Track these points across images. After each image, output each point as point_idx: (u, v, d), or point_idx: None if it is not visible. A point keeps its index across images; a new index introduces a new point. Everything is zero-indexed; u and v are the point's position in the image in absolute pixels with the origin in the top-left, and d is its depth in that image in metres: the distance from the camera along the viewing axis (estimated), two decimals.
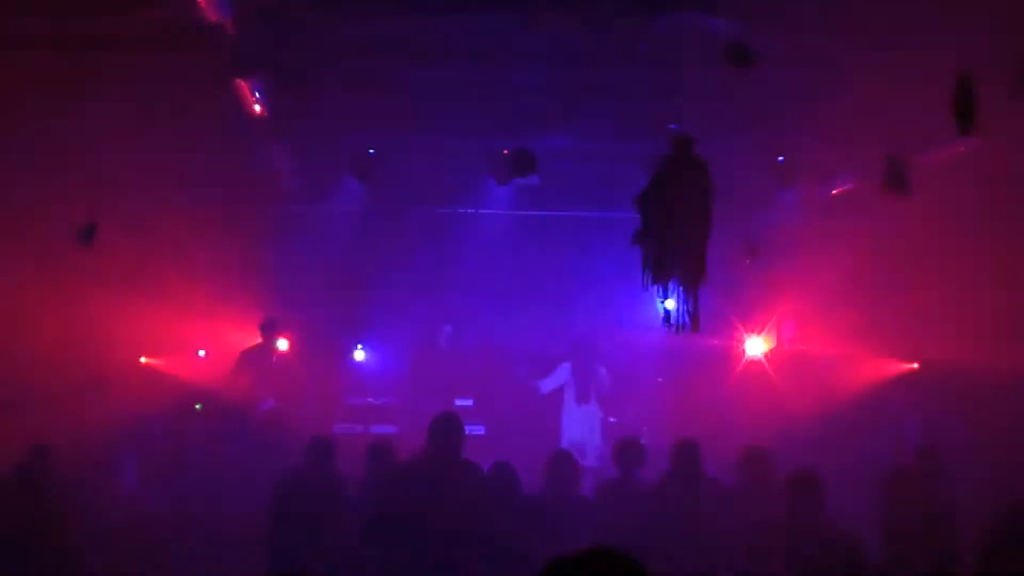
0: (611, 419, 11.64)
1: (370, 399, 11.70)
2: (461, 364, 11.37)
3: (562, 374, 11.21)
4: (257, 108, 8.29)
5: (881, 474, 6.56)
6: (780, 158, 10.08)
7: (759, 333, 12.43)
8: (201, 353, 11.17)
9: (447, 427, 6.78)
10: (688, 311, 6.79)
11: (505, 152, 9.81)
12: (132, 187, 10.45)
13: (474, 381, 11.94)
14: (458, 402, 11.64)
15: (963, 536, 6.12)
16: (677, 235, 7.19)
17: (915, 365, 11.53)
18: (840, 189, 11.18)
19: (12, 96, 7.95)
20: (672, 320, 6.89)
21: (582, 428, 10.84)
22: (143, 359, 11.00)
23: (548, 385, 11.27)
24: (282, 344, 11.51)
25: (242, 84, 7.73)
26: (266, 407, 10.96)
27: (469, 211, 12.18)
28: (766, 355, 11.94)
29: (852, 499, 6.36)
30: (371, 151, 10.14)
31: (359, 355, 12.50)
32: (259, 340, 11.21)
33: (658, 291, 7.13)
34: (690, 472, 6.97)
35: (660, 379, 12.18)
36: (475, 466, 6.92)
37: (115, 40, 7.25)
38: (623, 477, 7.19)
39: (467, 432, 11.13)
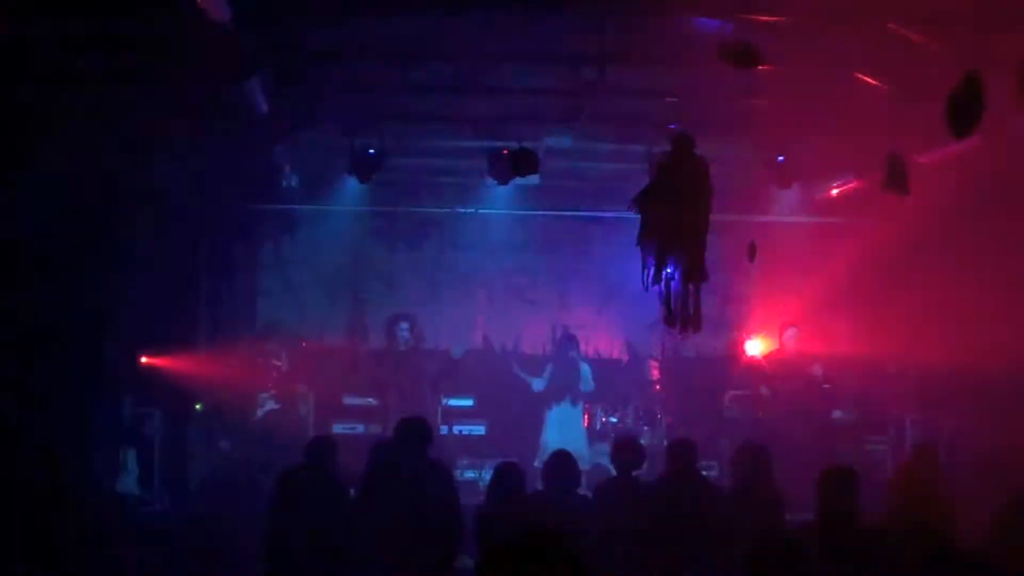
0: (612, 419, 11.66)
1: (370, 400, 11.69)
2: (422, 362, 11.33)
3: (537, 384, 11.30)
4: (257, 108, 8.28)
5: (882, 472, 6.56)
6: (780, 158, 10.08)
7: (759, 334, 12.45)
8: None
9: (412, 431, 6.81)
10: (689, 310, 6.81)
11: (505, 152, 9.81)
12: (132, 186, 10.46)
13: (474, 380, 11.94)
14: (457, 402, 11.65)
15: (963, 533, 6.12)
16: (677, 235, 7.21)
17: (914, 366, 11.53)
18: (840, 189, 11.19)
19: (12, 96, 7.95)
20: (674, 320, 6.90)
21: (560, 431, 10.82)
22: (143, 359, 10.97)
23: (539, 385, 11.29)
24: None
25: (243, 85, 7.72)
26: (265, 411, 10.94)
27: (469, 211, 12.18)
28: (765, 356, 11.93)
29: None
30: (371, 151, 10.14)
31: None
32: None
33: (659, 291, 7.14)
34: (686, 472, 6.97)
35: (659, 383, 12.17)
36: (443, 467, 6.95)
37: (115, 40, 7.25)
38: (622, 476, 7.19)
39: (467, 432, 11.35)
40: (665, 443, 10.74)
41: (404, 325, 11.25)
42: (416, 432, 6.81)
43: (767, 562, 4.02)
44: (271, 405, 10.96)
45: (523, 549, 2.67)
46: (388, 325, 11.40)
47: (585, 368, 11.28)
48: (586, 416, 11.44)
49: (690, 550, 6.35)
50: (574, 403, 11.14)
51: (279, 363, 11.35)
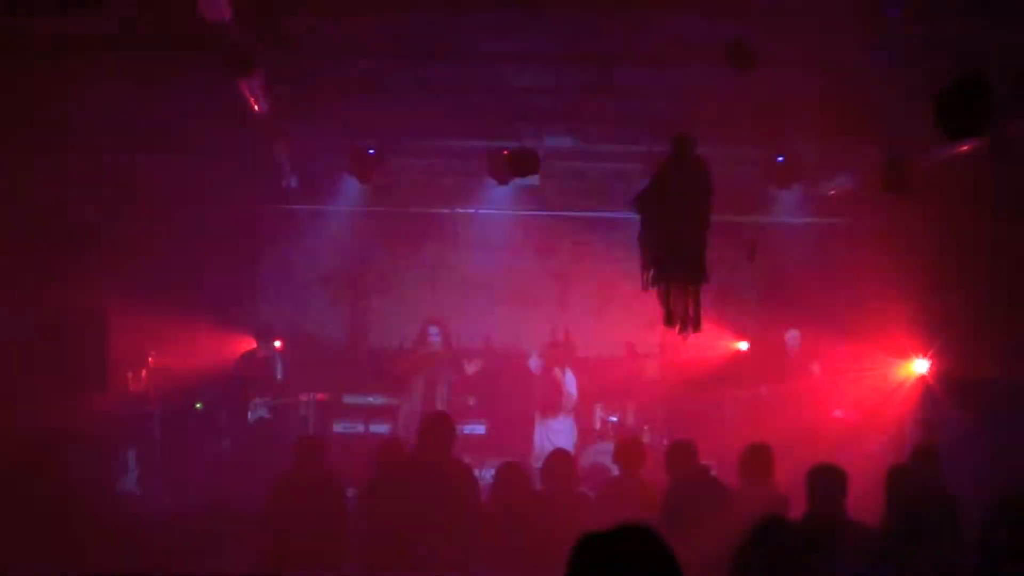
0: (612, 419, 11.66)
1: (370, 399, 11.69)
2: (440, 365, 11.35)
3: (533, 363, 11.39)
4: (257, 108, 8.28)
5: (883, 471, 6.55)
6: (780, 158, 10.07)
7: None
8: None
9: (436, 427, 6.80)
10: (689, 310, 6.81)
11: (505, 152, 9.81)
12: (132, 186, 10.47)
13: (474, 380, 11.96)
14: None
15: (963, 532, 6.11)
16: (677, 235, 7.20)
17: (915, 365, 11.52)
18: (840, 189, 11.18)
19: (13, 96, 7.95)
20: (673, 320, 6.90)
21: (549, 442, 10.87)
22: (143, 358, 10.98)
23: (533, 364, 11.39)
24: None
25: (242, 84, 7.72)
26: (259, 416, 10.91)
27: (469, 211, 12.18)
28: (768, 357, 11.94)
29: (853, 497, 6.35)
30: (371, 151, 10.14)
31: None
32: (255, 346, 11.21)
33: (659, 291, 7.13)
34: (691, 472, 6.97)
35: (658, 386, 12.17)
36: (465, 465, 6.94)
37: (115, 40, 7.25)
38: (625, 476, 7.19)
39: (467, 432, 11.35)
40: (665, 443, 10.79)
41: (434, 329, 11.28)
42: (439, 429, 6.81)
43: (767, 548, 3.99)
44: (263, 413, 10.91)
45: (617, 542, 2.69)
46: (420, 329, 11.40)
47: (569, 380, 11.30)
48: (579, 420, 11.45)
49: (696, 551, 6.34)
50: (561, 414, 11.20)
51: (276, 364, 11.31)
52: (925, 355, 11.34)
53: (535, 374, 11.41)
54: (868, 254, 11.86)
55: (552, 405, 11.19)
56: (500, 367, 12.08)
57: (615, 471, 7.60)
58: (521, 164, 9.63)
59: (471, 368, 11.57)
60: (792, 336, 11.27)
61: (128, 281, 10.36)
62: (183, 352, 11.29)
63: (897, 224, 11.08)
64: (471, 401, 11.81)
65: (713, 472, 10.21)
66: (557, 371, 11.33)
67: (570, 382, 11.31)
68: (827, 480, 5.85)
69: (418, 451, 6.88)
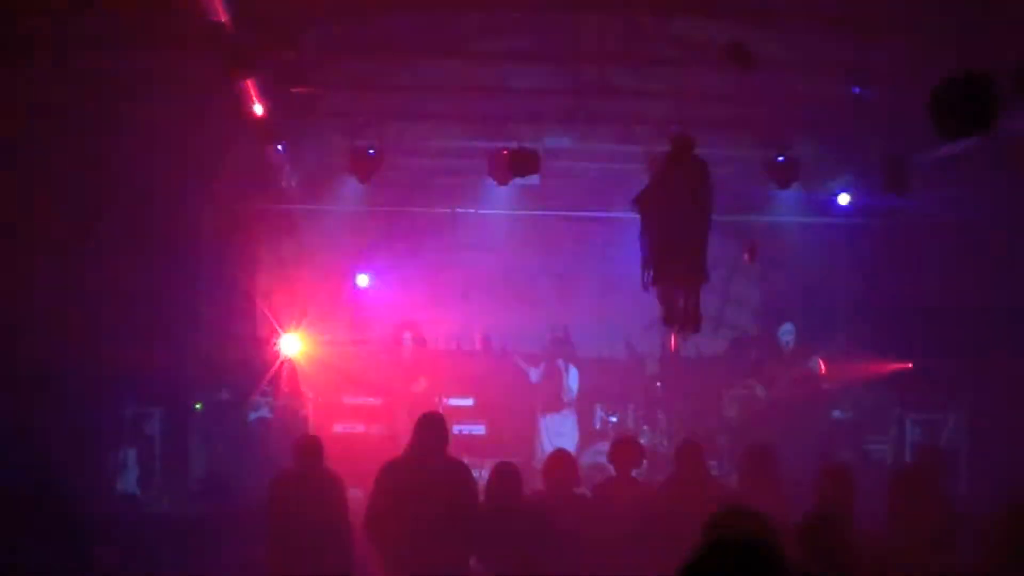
0: (612, 419, 11.66)
1: (370, 399, 11.69)
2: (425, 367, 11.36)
3: (534, 375, 11.38)
4: (257, 108, 8.28)
5: (886, 472, 6.56)
6: (780, 158, 10.07)
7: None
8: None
9: (430, 426, 6.79)
10: (688, 311, 6.81)
11: (505, 152, 9.82)
12: (132, 187, 10.46)
13: (474, 380, 11.96)
14: (457, 402, 11.65)
15: (963, 532, 6.12)
16: (677, 235, 7.21)
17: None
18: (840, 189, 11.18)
19: (11, 94, 7.95)
20: (673, 319, 6.91)
21: (550, 439, 10.85)
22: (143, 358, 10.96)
23: (535, 376, 11.37)
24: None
25: (242, 84, 7.73)
26: (258, 416, 10.90)
27: (469, 211, 12.18)
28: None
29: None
30: (371, 151, 10.15)
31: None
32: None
33: (659, 291, 7.14)
34: (695, 472, 6.96)
35: (659, 383, 12.15)
36: (462, 465, 6.93)
37: (115, 39, 7.26)
38: (621, 476, 7.18)
39: (466, 432, 11.35)
40: (665, 443, 10.80)
41: (407, 335, 11.30)
42: (433, 429, 6.79)
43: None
44: (265, 412, 10.91)
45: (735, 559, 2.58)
46: (393, 333, 11.41)
47: (572, 375, 11.30)
48: (580, 419, 11.45)
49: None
50: (563, 410, 11.19)
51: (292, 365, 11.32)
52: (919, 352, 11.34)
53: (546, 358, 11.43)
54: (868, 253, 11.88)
55: (553, 399, 11.18)
56: (499, 366, 12.08)
57: (613, 471, 7.58)
58: (521, 164, 9.63)
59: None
60: (786, 330, 11.23)
61: (127, 281, 10.35)
62: (182, 352, 11.28)
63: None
64: (469, 401, 11.81)
65: (714, 472, 10.27)
66: (561, 364, 11.32)
67: (572, 376, 11.31)
68: (835, 480, 5.84)
69: (414, 452, 6.87)
